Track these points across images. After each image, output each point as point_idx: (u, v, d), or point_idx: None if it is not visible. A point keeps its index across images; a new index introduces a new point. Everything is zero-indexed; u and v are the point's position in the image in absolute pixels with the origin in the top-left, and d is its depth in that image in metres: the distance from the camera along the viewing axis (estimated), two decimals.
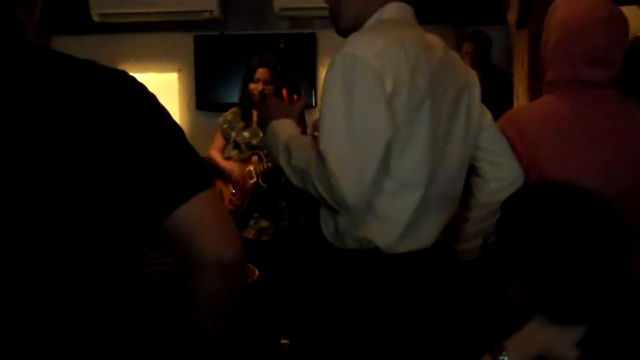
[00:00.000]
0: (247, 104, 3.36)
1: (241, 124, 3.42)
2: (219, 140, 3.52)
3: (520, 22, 3.38)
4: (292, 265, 3.22)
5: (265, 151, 3.19)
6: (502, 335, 1.20)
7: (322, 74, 4.28)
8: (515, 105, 3.56)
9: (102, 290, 0.98)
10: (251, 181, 3.30)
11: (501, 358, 1.15)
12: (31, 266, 0.92)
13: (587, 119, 1.60)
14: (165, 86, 4.66)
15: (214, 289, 1.05)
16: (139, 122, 0.98)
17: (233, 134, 3.42)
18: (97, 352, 0.97)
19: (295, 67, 3.73)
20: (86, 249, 0.95)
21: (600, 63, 1.60)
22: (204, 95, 4.68)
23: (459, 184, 1.65)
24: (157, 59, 4.69)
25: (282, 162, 1.54)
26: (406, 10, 1.61)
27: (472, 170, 1.71)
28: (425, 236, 1.56)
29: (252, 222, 3.31)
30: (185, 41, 4.62)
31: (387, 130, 1.42)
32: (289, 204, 3.30)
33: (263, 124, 1.68)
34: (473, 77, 1.68)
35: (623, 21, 1.63)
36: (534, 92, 3.23)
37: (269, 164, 3.18)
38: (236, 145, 3.41)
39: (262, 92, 3.22)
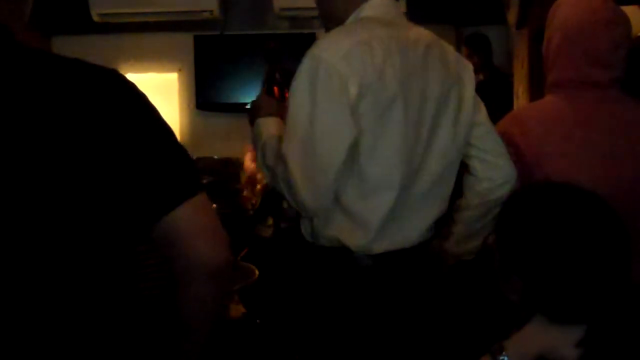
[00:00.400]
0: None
1: None
2: None
3: (520, 22, 3.38)
4: (291, 266, 3.22)
5: None
6: (502, 335, 1.20)
7: None
8: (515, 105, 3.56)
9: (97, 291, 0.97)
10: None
11: (501, 358, 1.15)
12: (21, 269, 0.91)
13: (590, 119, 1.60)
14: (165, 86, 4.66)
15: (203, 292, 1.05)
16: (129, 122, 0.97)
17: None
18: (94, 352, 0.97)
19: (294, 66, 3.72)
20: (78, 250, 0.94)
21: (604, 64, 1.60)
22: (204, 95, 4.68)
23: (447, 182, 1.61)
24: (157, 59, 4.69)
25: (259, 161, 1.56)
26: (388, 6, 1.57)
27: (463, 168, 1.68)
28: (406, 236, 1.54)
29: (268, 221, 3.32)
30: (185, 41, 4.62)
31: (349, 136, 1.42)
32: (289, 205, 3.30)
33: (251, 121, 1.67)
34: (467, 72, 1.63)
35: (626, 22, 1.63)
36: (534, 92, 3.23)
37: None
38: None
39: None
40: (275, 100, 1.75)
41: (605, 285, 1.14)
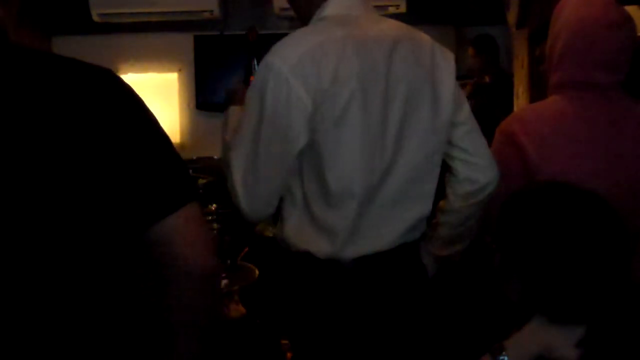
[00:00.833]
0: None
1: None
2: None
3: (520, 22, 3.38)
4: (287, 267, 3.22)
5: None
6: (502, 335, 1.20)
7: None
8: (515, 105, 3.56)
9: (87, 293, 0.97)
10: None
11: (501, 358, 1.15)
12: (10, 272, 0.90)
13: (594, 119, 1.60)
14: (165, 86, 4.65)
15: (192, 300, 1.04)
16: (122, 125, 0.96)
17: None
18: (92, 352, 0.97)
19: None
20: (68, 252, 0.93)
21: (610, 67, 1.60)
22: (204, 95, 4.67)
23: (425, 182, 1.54)
24: (157, 59, 4.68)
25: (221, 154, 1.53)
26: (351, 2, 1.50)
27: (446, 168, 1.62)
28: (377, 241, 1.49)
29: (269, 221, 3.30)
30: (185, 41, 4.61)
31: (293, 150, 1.40)
32: None
33: (223, 109, 1.65)
34: (445, 67, 1.54)
35: (632, 24, 1.63)
36: (534, 92, 3.23)
37: None
38: None
39: None
40: None
41: (605, 285, 1.14)
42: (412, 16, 3.87)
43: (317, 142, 1.40)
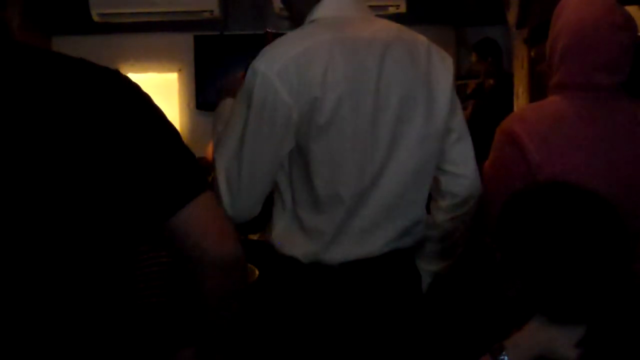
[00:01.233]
0: None
1: None
2: None
3: (520, 22, 3.38)
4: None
5: None
6: (502, 335, 1.20)
7: None
8: (515, 105, 3.57)
9: (99, 290, 0.97)
10: None
11: (501, 358, 1.15)
12: (26, 268, 0.91)
13: (594, 119, 1.60)
14: (165, 86, 4.66)
15: (218, 288, 1.06)
16: (133, 123, 0.97)
17: None
18: (92, 352, 0.97)
19: None
20: (83, 250, 0.94)
21: (611, 68, 1.60)
22: (204, 95, 4.68)
23: (417, 188, 1.51)
24: (157, 59, 4.69)
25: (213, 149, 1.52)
26: (343, 4, 1.47)
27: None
28: (364, 248, 1.46)
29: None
30: (185, 41, 4.62)
31: (276, 157, 1.39)
32: None
33: (217, 99, 1.63)
34: (442, 69, 1.50)
35: (633, 25, 1.62)
36: (534, 92, 3.24)
37: None
38: None
39: None
40: None
41: (605, 285, 1.14)
42: (412, 16, 3.87)
43: (305, 147, 1.39)
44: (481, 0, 4.29)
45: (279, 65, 1.34)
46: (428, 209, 1.61)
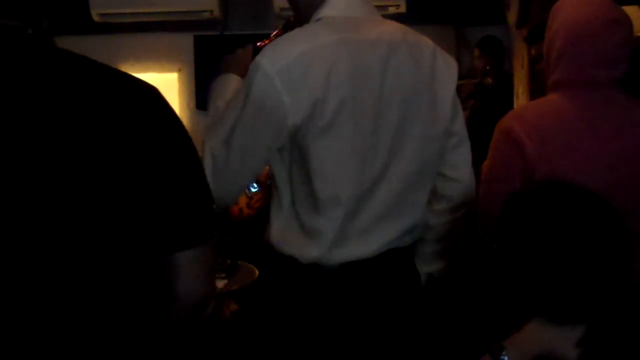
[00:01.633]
0: None
1: None
2: None
3: (520, 22, 3.38)
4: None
5: None
6: (502, 335, 1.20)
7: None
8: (515, 105, 3.56)
9: (94, 296, 0.97)
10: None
11: (501, 358, 1.15)
12: (26, 269, 0.91)
13: (593, 117, 1.61)
14: (165, 86, 4.65)
15: (184, 320, 1.08)
16: (162, 147, 0.97)
17: None
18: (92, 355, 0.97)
19: None
20: (79, 263, 0.94)
21: (608, 65, 1.61)
22: (204, 95, 4.65)
23: (418, 190, 1.52)
24: (157, 59, 4.69)
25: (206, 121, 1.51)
26: (350, 3, 1.46)
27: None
28: (364, 248, 1.46)
29: None
30: (185, 41, 4.62)
31: (264, 156, 1.40)
32: None
33: (218, 71, 1.63)
34: (447, 71, 1.51)
35: (629, 22, 1.64)
36: (534, 92, 3.24)
37: None
38: None
39: None
40: None
41: (605, 285, 1.14)
42: (412, 16, 3.86)
43: (305, 148, 1.38)
44: (481, 0, 4.29)
45: (281, 64, 1.34)
46: None
